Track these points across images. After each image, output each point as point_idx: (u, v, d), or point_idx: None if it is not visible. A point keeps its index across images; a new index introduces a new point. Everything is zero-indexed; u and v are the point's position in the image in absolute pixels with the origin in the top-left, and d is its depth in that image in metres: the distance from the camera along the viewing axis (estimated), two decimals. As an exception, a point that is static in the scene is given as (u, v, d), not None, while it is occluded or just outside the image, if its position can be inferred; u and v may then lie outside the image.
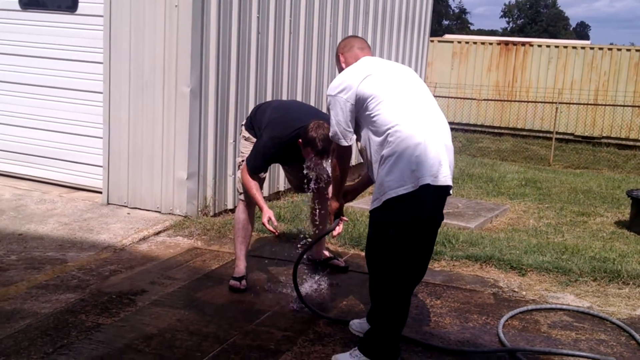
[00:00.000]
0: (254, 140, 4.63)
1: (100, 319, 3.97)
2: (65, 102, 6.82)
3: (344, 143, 3.53)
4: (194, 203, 6.19)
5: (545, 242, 6.00)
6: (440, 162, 3.29)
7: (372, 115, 3.37)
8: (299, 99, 7.62)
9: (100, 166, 6.51)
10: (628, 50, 18.12)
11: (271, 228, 4.34)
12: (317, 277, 4.76)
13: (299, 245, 4.70)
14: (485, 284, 4.77)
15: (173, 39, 5.94)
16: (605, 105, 17.23)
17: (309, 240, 4.61)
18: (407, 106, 3.37)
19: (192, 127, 6.04)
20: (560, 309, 4.36)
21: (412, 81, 3.54)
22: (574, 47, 18.70)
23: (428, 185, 3.24)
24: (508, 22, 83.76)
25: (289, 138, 4.37)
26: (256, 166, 4.48)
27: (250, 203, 4.69)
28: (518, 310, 4.29)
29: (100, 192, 6.57)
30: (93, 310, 4.08)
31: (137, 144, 6.27)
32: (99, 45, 6.31)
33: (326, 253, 5.12)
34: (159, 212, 6.26)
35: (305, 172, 4.61)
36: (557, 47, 19.00)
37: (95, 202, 6.52)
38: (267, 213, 4.34)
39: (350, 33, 8.40)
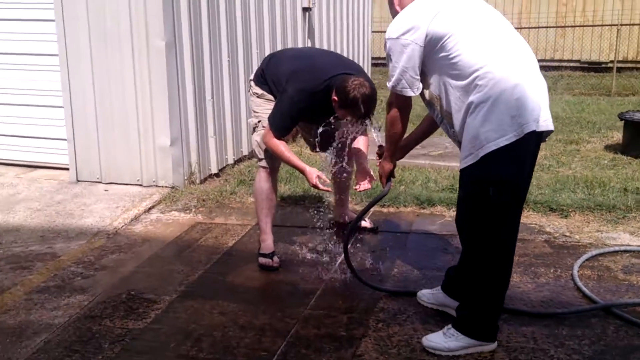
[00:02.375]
0: (269, 96, 4.01)
1: (129, 323, 3.36)
2: (15, 69, 5.93)
3: (410, 93, 3.00)
4: (180, 171, 5.51)
5: (558, 177, 5.70)
6: (540, 104, 2.82)
7: (450, 56, 2.84)
8: (267, 41, 6.94)
9: (64, 139, 5.69)
10: (549, -30, 18.06)
11: (324, 187, 3.78)
12: (350, 244, 4.27)
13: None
14: (532, 231, 4.41)
15: (139, -15, 5.14)
16: (530, 28, 17.17)
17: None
18: (493, 43, 2.86)
19: (171, 85, 5.30)
20: (626, 251, 4.06)
21: (490, 13, 3.00)
22: (495, -29, 18.51)
23: (533, 132, 2.77)
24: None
25: (320, 90, 3.76)
26: (284, 126, 3.87)
27: (273, 169, 4.11)
28: (584, 257, 3.95)
29: (66, 169, 5.77)
30: (116, 314, 3.46)
31: (106, 110, 5.48)
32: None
33: (353, 214, 4.63)
34: (141, 185, 5.55)
35: (333, 129, 4.06)
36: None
37: (62, 180, 5.73)
38: (313, 172, 3.77)
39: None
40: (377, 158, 3.58)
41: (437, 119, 3.14)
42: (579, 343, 3.06)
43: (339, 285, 3.77)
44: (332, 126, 4.21)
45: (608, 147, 7.13)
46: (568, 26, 16.83)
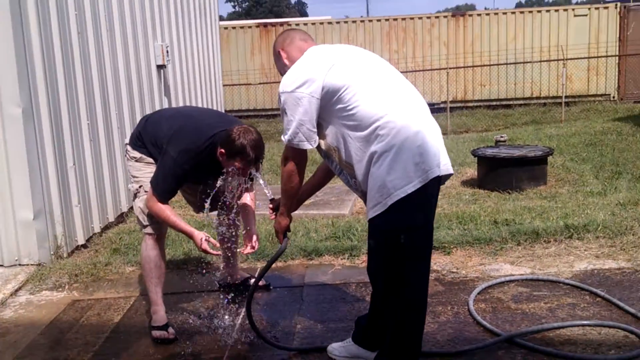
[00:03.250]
0: (149, 159, 3.83)
1: None
2: None
3: (308, 146, 2.98)
4: (45, 246, 5.07)
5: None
6: (439, 148, 2.91)
7: (349, 107, 2.86)
8: (125, 101, 6.68)
9: None
10: (378, 20, 19.10)
11: (214, 251, 3.63)
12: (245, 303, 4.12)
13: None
14: (421, 271, 4.50)
15: (-12, 50, 4.74)
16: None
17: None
18: (389, 92, 2.92)
19: (30, 154, 4.91)
20: (511, 281, 4.25)
21: (380, 63, 3.09)
22: (330, 23, 19.30)
23: (436, 177, 2.84)
24: (234, 7, 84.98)
25: (203, 148, 3.64)
26: (168, 190, 3.70)
27: (159, 235, 3.89)
28: (475, 292, 4.08)
29: None
30: (1, 415, 3.07)
31: (-45, 185, 4.95)
32: None
33: (243, 273, 4.49)
34: (1, 265, 5.04)
35: (221, 186, 3.94)
36: (313, 24, 19.46)
37: None
38: (201, 235, 3.61)
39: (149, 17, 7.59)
40: (271, 212, 3.50)
41: (336, 170, 3.13)
42: (493, 377, 3.14)
43: (244, 350, 3.60)
44: (218, 186, 4.10)
45: (465, 183, 7.54)
46: (401, 72, 17.75)
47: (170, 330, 3.79)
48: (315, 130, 2.96)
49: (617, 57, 17.25)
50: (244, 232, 4.05)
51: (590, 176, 7.25)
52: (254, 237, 3.94)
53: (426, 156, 2.81)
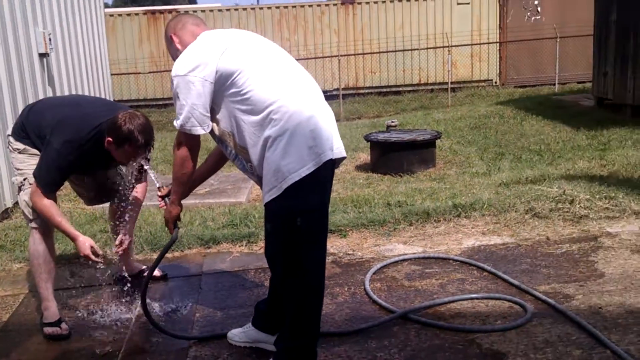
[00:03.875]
0: (33, 151, 3.68)
1: None
2: None
3: (200, 131, 2.95)
4: None
5: (324, 200, 6.01)
6: (332, 132, 2.96)
7: (242, 92, 2.86)
8: (5, 91, 6.35)
9: None
10: (269, 8, 19.07)
11: (97, 259, 3.54)
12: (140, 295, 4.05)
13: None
14: (318, 255, 4.57)
15: None
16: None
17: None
18: (283, 77, 2.94)
19: None
20: (404, 260, 4.41)
21: (275, 49, 3.09)
22: (220, 10, 19.07)
23: (330, 159, 2.90)
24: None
25: (89, 139, 3.53)
26: (51, 182, 3.56)
27: (47, 229, 3.75)
28: (371, 272, 4.21)
29: None
30: None
31: None
32: None
33: (137, 265, 4.40)
34: None
35: (111, 177, 3.85)
36: (203, 11, 19.19)
37: None
38: (86, 241, 3.55)
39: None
40: (160, 200, 3.44)
41: (230, 156, 3.11)
42: (389, 352, 3.24)
43: (142, 342, 3.54)
44: (107, 177, 4.00)
45: (359, 167, 7.71)
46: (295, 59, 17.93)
47: (64, 326, 3.67)
48: (209, 115, 2.94)
49: (497, 44, 18.10)
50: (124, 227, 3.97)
51: (475, 158, 7.60)
52: (123, 238, 3.89)
53: (319, 140, 2.85)
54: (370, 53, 17.64)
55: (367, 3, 18.54)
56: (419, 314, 3.62)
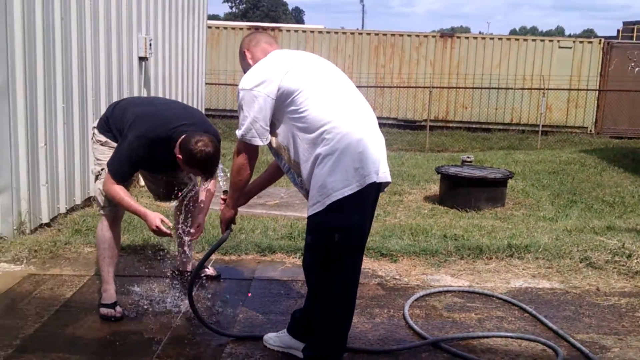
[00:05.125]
0: (113, 144, 4.00)
1: (-40, 383, 3.15)
2: None
3: (259, 142, 3.17)
4: (9, 221, 5.22)
5: (385, 225, 6.14)
6: (379, 157, 3.12)
7: (300, 110, 3.07)
8: (103, 89, 6.85)
9: None
10: (368, 34, 19.39)
11: (167, 230, 3.79)
12: (194, 292, 4.30)
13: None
14: (366, 275, 4.71)
15: (-30, 27, 4.91)
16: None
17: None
18: (339, 100, 3.13)
19: (1, 130, 5.06)
20: (448, 291, 4.47)
21: (334, 73, 3.29)
22: (320, 32, 19.55)
23: (373, 182, 3.05)
24: (231, 7, 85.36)
25: (161, 139, 3.81)
26: (120, 172, 3.85)
27: (115, 218, 4.06)
28: (413, 298, 4.31)
29: None
30: (-56, 373, 3.22)
31: None
32: None
33: (196, 263, 4.67)
34: (-36, 235, 5.19)
35: (179, 178, 4.14)
36: (304, 31, 19.72)
37: None
38: (155, 216, 3.78)
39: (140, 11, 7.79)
40: (222, 203, 3.68)
41: (284, 168, 3.32)
42: (413, 376, 3.34)
43: (186, 333, 3.78)
44: (177, 177, 4.27)
45: (427, 198, 7.78)
46: (386, 86, 18.15)
47: (118, 308, 3.96)
48: (268, 128, 3.15)
49: (597, 92, 17.67)
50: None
51: (546, 202, 7.52)
52: (198, 222, 4.10)
53: (365, 162, 3.02)
54: (464, 87, 17.63)
55: (467, 38, 18.58)
56: (451, 344, 3.69)
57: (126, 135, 3.85)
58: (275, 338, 3.61)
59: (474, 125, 18.07)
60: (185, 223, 4.31)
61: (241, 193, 3.44)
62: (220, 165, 3.85)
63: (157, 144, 3.82)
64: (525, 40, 18.37)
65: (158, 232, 3.80)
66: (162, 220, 3.77)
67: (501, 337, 3.79)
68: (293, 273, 4.75)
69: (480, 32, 20.31)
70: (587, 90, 17.44)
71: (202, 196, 4.31)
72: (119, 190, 3.84)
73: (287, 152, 3.19)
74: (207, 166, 3.70)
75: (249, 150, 3.22)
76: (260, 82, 3.10)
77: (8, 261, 4.81)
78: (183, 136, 3.73)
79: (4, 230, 5.21)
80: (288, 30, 19.69)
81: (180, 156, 3.71)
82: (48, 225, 5.76)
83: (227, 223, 3.56)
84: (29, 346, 3.53)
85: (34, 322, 3.83)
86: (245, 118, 3.12)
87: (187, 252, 4.59)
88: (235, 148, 3.28)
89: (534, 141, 15.26)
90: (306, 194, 3.19)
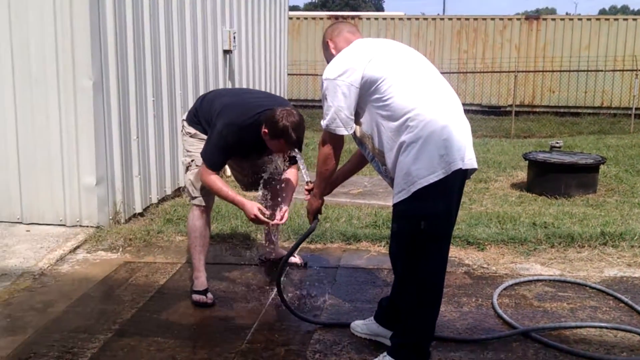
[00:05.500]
0: (202, 136, 4.10)
1: (65, 364, 3.32)
2: None
3: (344, 132, 3.17)
4: (105, 211, 5.47)
5: (471, 213, 6.05)
6: (465, 144, 3.07)
7: (384, 98, 3.05)
8: (190, 82, 7.04)
9: (-19, 180, 5.54)
10: (450, 19, 19.04)
11: (265, 219, 3.87)
12: (282, 279, 4.38)
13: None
14: (452, 264, 4.65)
15: (67, 26, 5.14)
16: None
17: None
18: (423, 87, 3.09)
19: (97, 124, 5.30)
20: (539, 280, 4.37)
21: (418, 60, 3.25)
22: (400, 19, 19.33)
23: (459, 169, 3.01)
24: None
25: (248, 124, 3.87)
26: (215, 162, 3.94)
27: (206, 207, 4.18)
28: (502, 287, 4.23)
29: (-19, 210, 5.62)
30: (50, 354, 3.40)
31: (28, 149, 5.40)
32: (-31, 37, 5.33)
33: (282, 251, 4.75)
34: (64, 225, 5.46)
35: (264, 165, 4.20)
36: (384, 19, 19.56)
37: (-21, 221, 5.56)
38: (253, 204, 3.86)
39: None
40: (307, 194, 3.72)
41: (368, 157, 3.31)
42: (503, 366, 3.29)
43: (274, 320, 3.86)
44: (264, 165, 4.35)
45: (514, 185, 7.60)
46: (469, 72, 17.80)
47: (209, 295, 4.08)
48: (353, 117, 3.15)
49: (694, 72, 16.74)
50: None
51: (641, 188, 7.22)
52: (284, 209, 4.13)
53: (450, 149, 2.98)
54: (551, 71, 17.07)
55: (553, 20, 17.95)
56: (542, 333, 3.60)
57: (215, 125, 3.94)
58: (362, 325, 3.63)
59: (561, 110, 17.46)
60: (272, 212, 4.38)
61: (327, 183, 3.46)
62: (299, 156, 3.88)
63: (245, 130, 3.88)
64: (616, 19, 17.58)
65: (256, 220, 3.89)
66: (259, 209, 3.86)
67: (595, 327, 3.67)
68: (378, 261, 4.76)
69: (567, 13, 19.68)
70: (684, 70, 16.54)
71: (289, 177, 4.33)
72: (216, 180, 3.94)
73: (371, 141, 3.19)
74: (292, 135, 3.71)
75: (334, 140, 3.23)
76: (343, 71, 3.10)
77: (105, 249, 5.04)
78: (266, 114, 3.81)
79: (101, 220, 5.46)
80: (368, 19, 19.61)
81: (265, 130, 3.77)
82: (141, 214, 5.99)
83: (314, 213, 3.60)
84: (126, 330, 3.69)
85: (130, 307, 4.00)
86: (330, 108, 3.13)
87: (273, 241, 4.68)
88: (320, 138, 3.30)
89: (627, 125, 14.59)
90: (391, 182, 3.18)
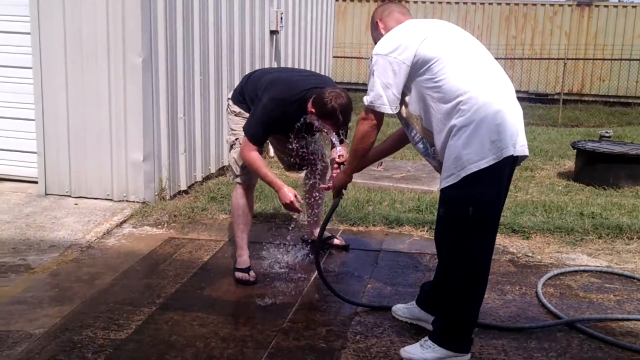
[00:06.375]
0: (247, 115, 4.10)
1: (110, 334, 3.38)
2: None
3: (388, 110, 3.08)
4: (151, 187, 5.55)
5: (517, 201, 5.96)
6: (518, 130, 3.01)
7: (436, 79, 2.99)
8: (237, 61, 7.07)
9: (33, 152, 5.67)
10: (499, 4, 18.67)
11: (299, 207, 3.88)
12: (323, 260, 4.39)
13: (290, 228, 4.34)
14: (497, 251, 4.55)
15: (118, 4, 5.21)
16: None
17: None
18: (476, 70, 3.03)
19: (145, 101, 5.36)
20: (585, 271, 4.30)
21: (472, 42, 3.19)
22: (448, 2, 19.02)
23: (511, 156, 2.95)
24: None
25: (293, 100, 3.86)
26: (257, 134, 3.93)
27: (249, 186, 4.20)
28: (547, 276, 4.17)
29: (32, 182, 5.76)
30: (97, 324, 3.47)
31: (78, 124, 5.50)
32: (24, 13, 5.42)
33: (325, 233, 4.74)
34: (111, 200, 5.57)
35: (308, 146, 4.19)
36: (432, 2, 19.27)
37: (30, 193, 5.69)
38: (289, 190, 3.86)
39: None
40: (337, 166, 3.68)
41: (414, 138, 3.22)
42: (546, 355, 3.24)
43: (315, 300, 3.88)
44: (307, 146, 4.33)
45: (561, 174, 7.46)
46: (517, 58, 17.48)
47: (252, 273, 4.11)
48: (399, 97, 3.08)
49: None
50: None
51: (694, 181, 7.00)
52: (329, 184, 4.01)
53: (503, 135, 2.92)
54: (602, 59, 16.67)
55: (606, 7, 17.48)
56: (587, 324, 3.54)
57: (260, 99, 3.93)
58: (404, 309, 3.61)
59: (611, 99, 17.05)
60: (313, 194, 4.38)
61: (360, 161, 3.40)
62: (338, 139, 3.85)
63: (290, 106, 3.87)
64: (672, 7, 17.05)
65: (289, 206, 3.89)
66: (295, 195, 3.86)
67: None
68: (421, 246, 4.73)
69: (620, 0, 19.15)
70: None
71: (335, 155, 4.31)
72: (257, 159, 3.94)
73: (419, 122, 3.14)
74: (340, 118, 3.70)
75: (375, 117, 3.14)
76: (396, 48, 3.03)
77: (150, 225, 5.12)
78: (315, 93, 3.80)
79: (147, 196, 5.54)
80: (415, 2, 19.34)
81: (313, 110, 3.76)
82: (186, 192, 6.06)
83: (340, 188, 3.58)
84: (170, 304, 3.75)
85: (174, 282, 4.06)
86: (376, 84, 3.06)
87: (316, 220, 4.68)
88: (360, 115, 3.20)
89: (680, 117, 14.23)
90: (438, 165, 3.14)
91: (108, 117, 5.43)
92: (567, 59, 15.67)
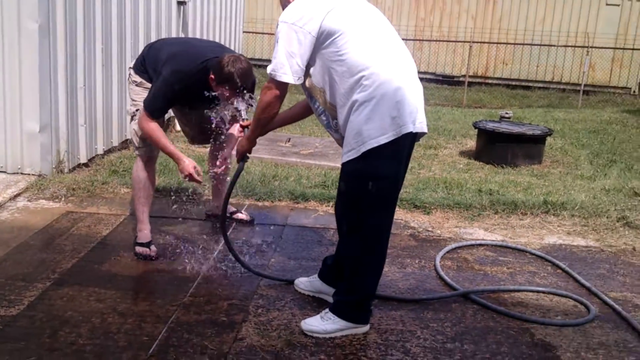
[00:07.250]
0: (148, 85, 3.99)
1: (1, 311, 3.24)
2: None
3: (289, 80, 3.04)
4: (48, 159, 5.32)
5: (419, 177, 6.11)
6: (417, 107, 3.06)
7: (339, 52, 2.98)
8: (142, 33, 6.85)
9: None
10: (409, -14, 18.94)
11: (199, 178, 3.81)
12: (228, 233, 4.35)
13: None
14: (398, 226, 4.71)
15: (11, -36, 4.93)
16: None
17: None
18: (380, 46, 3.05)
19: (42, 70, 5.11)
20: (481, 245, 4.46)
21: (378, 18, 3.19)
22: (361, -16, 19.12)
23: (410, 132, 3.01)
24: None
25: (195, 72, 3.78)
26: (156, 108, 3.84)
27: (150, 158, 4.10)
28: (445, 250, 4.31)
29: None
30: (-15, 301, 3.33)
31: (-32, 91, 5.19)
32: None
33: (230, 207, 4.71)
34: (4, 172, 5.31)
35: (212, 116, 4.10)
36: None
37: None
38: (190, 162, 3.78)
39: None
40: (241, 130, 3.64)
41: (317, 110, 3.22)
42: (442, 325, 3.34)
43: (218, 274, 3.84)
44: (209, 115, 4.25)
45: (462, 153, 7.69)
46: (425, 40, 17.82)
47: (153, 248, 4.03)
48: (304, 67, 3.05)
49: (643, 52, 17.11)
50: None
51: (585, 161, 7.39)
52: (222, 157, 4.11)
53: (403, 112, 2.96)
54: (506, 43, 17.19)
55: (511, -8, 18.05)
56: (481, 296, 3.69)
57: (160, 72, 3.83)
58: (306, 282, 3.64)
59: (513, 83, 17.67)
60: (217, 163, 4.32)
61: (263, 129, 3.37)
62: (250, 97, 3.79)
63: (191, 77, 3.79)
64: (571, -4, 17.79)
65: (190, 177, 3.82)
66: (194, 167, 3.80)
67: (532, 291, 3.77)
68: (326, 221, 4.77)
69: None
70: (633, 50, 16.89)
71: (234, 131, 4.27)
72: (156, 130, 3.84)
73: (322, 95, 3.12)
74: (238, 79, 3.64)
75: (278, 87, 3.09)
76: (301, 17, 2.99)
77: (47, 198, 4.92)
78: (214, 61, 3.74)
79: (44, 169, 5.31)
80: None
81: (212, 76, 3.70)
82: (86, 165, 5.85)
83: (243, 153, 3.54)
84: (66, 280, 3.63)
85: (71, 257, 3.93)
86: (280, 52, 3.01)
87: (221, 195, 4.62)
88: (264, 85, 3.13)
89: (575, 100, 14.90)
90: (340, 139, 3.15)
91: (2, 86, 5.14)
92: (473, 42, 16.10)
